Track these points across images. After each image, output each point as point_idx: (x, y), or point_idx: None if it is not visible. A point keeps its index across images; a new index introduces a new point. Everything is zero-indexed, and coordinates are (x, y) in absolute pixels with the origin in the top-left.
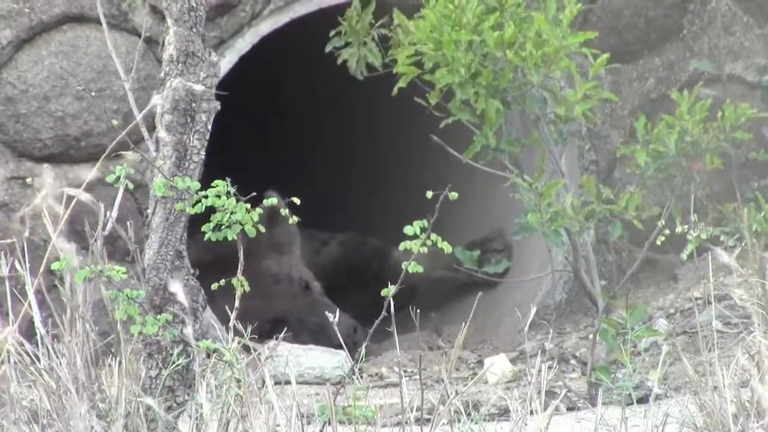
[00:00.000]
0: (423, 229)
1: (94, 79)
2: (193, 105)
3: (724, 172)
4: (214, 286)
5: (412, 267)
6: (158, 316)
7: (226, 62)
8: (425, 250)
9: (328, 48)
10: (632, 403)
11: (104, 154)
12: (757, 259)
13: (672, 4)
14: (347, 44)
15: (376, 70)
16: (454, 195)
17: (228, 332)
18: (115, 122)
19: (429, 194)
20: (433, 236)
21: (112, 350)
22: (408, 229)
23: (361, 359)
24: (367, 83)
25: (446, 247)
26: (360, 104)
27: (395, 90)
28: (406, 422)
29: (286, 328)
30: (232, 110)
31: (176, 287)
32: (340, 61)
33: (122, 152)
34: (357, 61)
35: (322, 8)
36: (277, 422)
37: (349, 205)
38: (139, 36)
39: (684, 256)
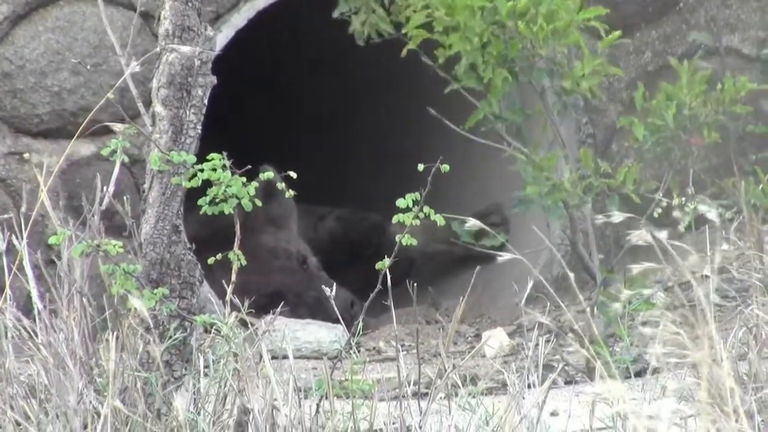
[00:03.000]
0: (416, 202)
1: (90, 54)
2: (189, 79)
3: (722, 145)
4: (211, 260)
5: (405, 240)
6: (155, 291)
7: (223, 36)
8: (417, 222)
9: (336, 13)
10: (630, 377)
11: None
12: (755, 233)
13: None
14: (352, 12)
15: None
16: (445, 167)
17: (225, 307)
18: (111, 96)
19: (420, 167)
20: (426, 209)
21: (110, 325)
22: (400, 202)
23: (359, 333)
24: (365, 56)
25: (439, 220)
26: (356, 78)
27: (404, 52)
28: (404, 396)
29: (283, 303)
30: (228, 84)
31: None
32: (351, 29)
33: (119, 126)
34: (367, 27)
35: None
36: (274, 396)
37: (347, 179)
38: (135, 11)
39: (682, 228)
